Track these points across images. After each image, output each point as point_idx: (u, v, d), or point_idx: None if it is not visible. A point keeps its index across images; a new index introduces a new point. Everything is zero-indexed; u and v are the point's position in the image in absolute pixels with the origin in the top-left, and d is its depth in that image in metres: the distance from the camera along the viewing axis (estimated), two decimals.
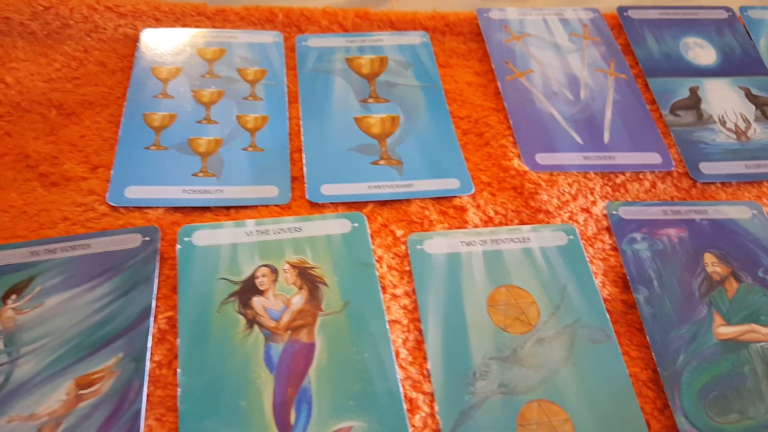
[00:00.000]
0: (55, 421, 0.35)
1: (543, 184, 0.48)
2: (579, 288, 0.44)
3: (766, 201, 0.50)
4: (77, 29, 0.57)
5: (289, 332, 0.40)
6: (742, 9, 0.63)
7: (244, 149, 0.49)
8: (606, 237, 0.47)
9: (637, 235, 0.47)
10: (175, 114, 0.51)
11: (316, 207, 0.47)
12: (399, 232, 0.46)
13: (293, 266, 0.43)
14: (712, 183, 0.51)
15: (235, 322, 0.40)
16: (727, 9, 0.63)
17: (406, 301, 0.43)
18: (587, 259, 0.45)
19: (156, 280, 0.41)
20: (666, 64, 0.58)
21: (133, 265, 0.41)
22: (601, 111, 0.54)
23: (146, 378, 0.37)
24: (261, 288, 0.42)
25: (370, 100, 0.54)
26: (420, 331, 0.41)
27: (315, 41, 0.58)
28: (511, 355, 0.41)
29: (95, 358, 0.37)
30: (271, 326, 0.40)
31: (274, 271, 0.42)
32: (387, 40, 0.58)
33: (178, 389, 0.37)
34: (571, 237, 0.46)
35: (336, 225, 0.45)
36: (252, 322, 0.40)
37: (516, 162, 0.50)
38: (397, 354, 0.40)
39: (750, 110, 0.56)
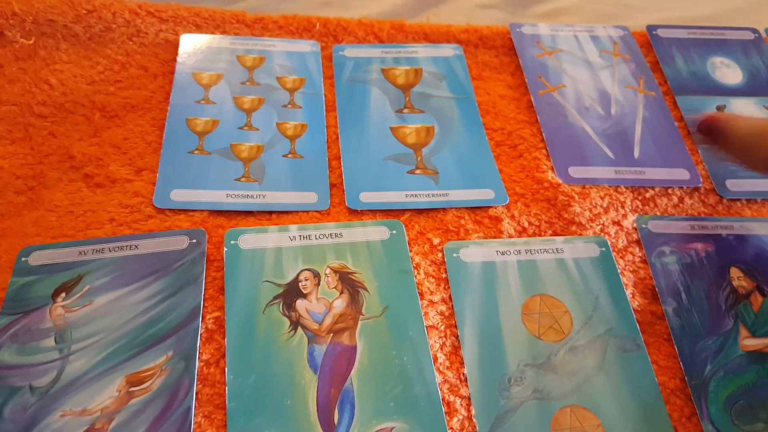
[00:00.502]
0: (108, 417, 0.36)
1: (576, 196, 0.50)
2: (610, 298, 0.45)
3: None
4: (119, 33, 0.58)
5: (331, 335, 0.41)
6: None
7: (285, 156, 0.51)
8: (636, 250, 0.48)
9: (666, 249, 0.48)
10: (218, 120, 0.52)
11: (355, 214, 0.48)
12: (436, 240, 0.47)
13: (334, 271, 0.44)
14: (738, 200, 0.53)
15: (279, 323, 0.41)
16: (753, 30, 0.64)
17: (443, 308, 0.44)
18: (618, 270, 0.46)
19: (203, 282, 0.42)
20: (694, 82, 0.60)
21: (181, 267, 0.43)
22: (632, 126, 0.55)
23: (196, 376, 0.38)
24: (304, 291, 0.43)
25: (406, 111, 0.55)
26: (456, 336, 0.43)
27: (351, 51, 0.59)
28: (545, 362, 0.42)
29: (145, 356, 0.39)
30: (314, 328, 0.41)
31: (317, 275, 0.44)
32: (421, 52, 0.60)
33: (226, 388, 0.38)
34: (603, 249, 0.47)
35: (375, 232, 0.46)
36: (296, 324, 0.41)
37: (549, 174, 0.51)
38: (435, 359, 0.41)
39: None
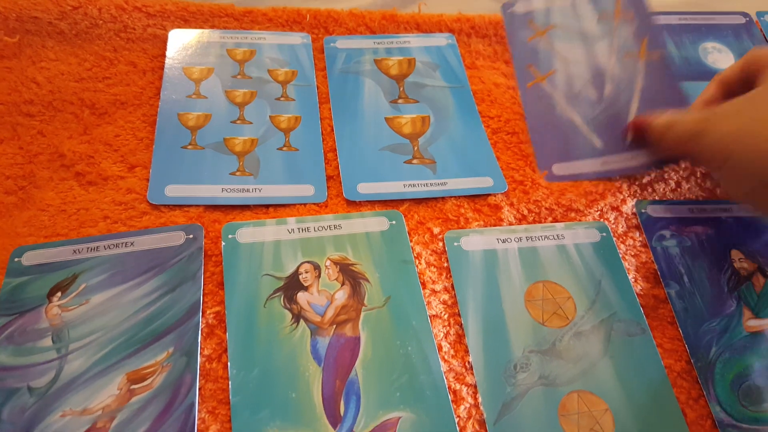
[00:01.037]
0: (109, 416, 0.36)
1: (569, 186, 0.49)
2: (613, 283, 0.45)
3: None
4: (106, 29, 0.57)
5: (334, 326, 0.41)
6: (759, 14, 0.65)
7: (279, 149, 0.50)
8: (636, 234, 0.48)
9: (666, 233, 0.48)
10: (210, 114, 0.51)
11: (353, 205, 0.48)
12: (436, 230, 0.47)
13: (335, 263, 0.43)
14: None
15: (281, 316, 0.40)
16: (744, 14, 0.64)
17: (445, 297, 0.43)
18: (620, 255, 0.46)
19: (202, 277, 0.42)
20: (686, 68, 0.60)
21: (179, 262, 0.42)
22: (626, 106, 0.50)
23: (198, 372, 0.38)
24: (305, 284, 0.42)
25: (400, 101, 0.55)
26: (460, 325, 0.42)
27: (343, 43, 0.58)
28: (550, 348, 0.42)
29: (146, 354, 0.38)
30: (316, 321, 0.41)
31: (317, 268, 0.43)
32: (414, 41, 0.59)
33: (229, 382, 0.37)
34: (604, 234, 0.47)
35: (374, 223, 0.46)
36: (298, 316, 0.41)
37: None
38: (440, 347, 0.41)
39: None
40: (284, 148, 0.50)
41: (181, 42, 0.56)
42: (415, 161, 0.50)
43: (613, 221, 0.48)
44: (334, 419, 0.37)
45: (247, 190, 0.47)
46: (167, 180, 0.47)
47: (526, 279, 0.44)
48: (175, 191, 0.46)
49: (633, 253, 0.47)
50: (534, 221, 0.48)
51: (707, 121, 0.41)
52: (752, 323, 0.44)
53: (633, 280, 0.45)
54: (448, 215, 0.48)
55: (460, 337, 0.42)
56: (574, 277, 0.45)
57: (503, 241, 0.46)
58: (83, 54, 0.56)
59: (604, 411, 0.39)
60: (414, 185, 0.49)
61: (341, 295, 0.42)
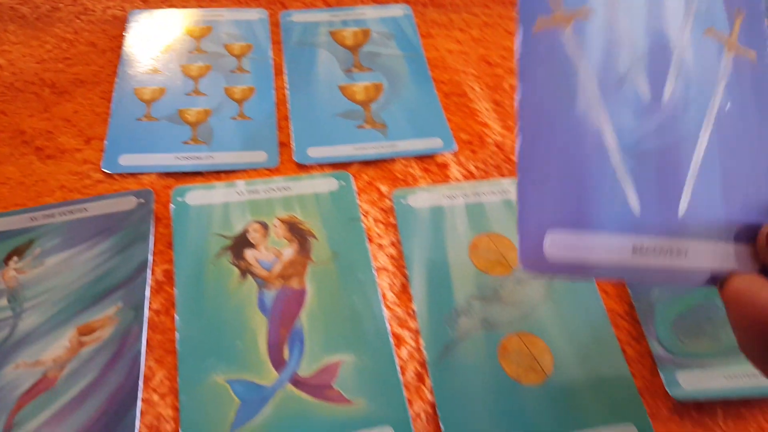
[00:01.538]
0: (60, 366, 0.37)
1: None
2: None
3: None
4: (67, 12, 0.59)
5: (281, 280, 0.42)
6: None
7: (233, 118, 0.51)
8: None
9: None
10: (165, 88, 0.53)
11: (304, 169, 0.49)
12: (384, 189, 0.48)
13: (283, 222, 0.45)
14: None
15: (229, 272, 0.42)
16: None
17: (392, 251, 0.45)
18: None
19: (152, 237, 0.43)
20: None
21: (129, 225, 0.43)
22: (694, 133, 0.27)
23: (145, 324, 0.39)
24: (253, 242, 0.43)
25: (354, 70, 0.56)
26: (406, 276, 0.43)
27: (299, 16, 0.60)
28: (492, 294, 0.43)
29: (96, 309, 0.39)
30: (263, 275, 0.42)
31: (265, 227, 0.44)
32: (369, 13, 0.60)
33: (177, 333, 0.39)
34: None
35: (323, 184, 0.47)
36: (245, 272, 0.42)
37: (499, 125, 0.52)
38: (384, 297, 0.42)
39: None
40: (238, 118, 0.51)
41: (140, 22, 0.58)
42: (367, 126, 0.52)
43: None
44: (278, 363, 0.38)
45: (200, 158, 0.48)
46: (121, 150, 0.48)
47: (472, 232, 0.46)
48: (128, 160, 0.47)
49: None
50: (482, 178, 0.49)
51: None
52: None
53: None
54: (397, 175, 0.49)
55: (405, 287, 0.43)
56: None
57: (450, 198, 0.47)
58: (44, 36, 0.57)
59: (544, 350, 0.40)
60: (364, 148, 0.50)
61: (289, 252, 0.43)
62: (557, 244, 0.26)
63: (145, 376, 0.37)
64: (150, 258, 0.42)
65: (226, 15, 0.59)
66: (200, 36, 0.57)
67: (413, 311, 0.42)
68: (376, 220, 0.46)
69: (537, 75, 0.26)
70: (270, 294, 0.41)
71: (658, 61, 0.28)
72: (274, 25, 0.59)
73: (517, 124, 0.26)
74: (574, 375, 0.39)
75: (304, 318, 0.40)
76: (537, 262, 0.26)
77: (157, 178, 0.47)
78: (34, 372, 0.37)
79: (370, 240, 0.45)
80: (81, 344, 0.38)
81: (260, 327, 0.40)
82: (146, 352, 0.38)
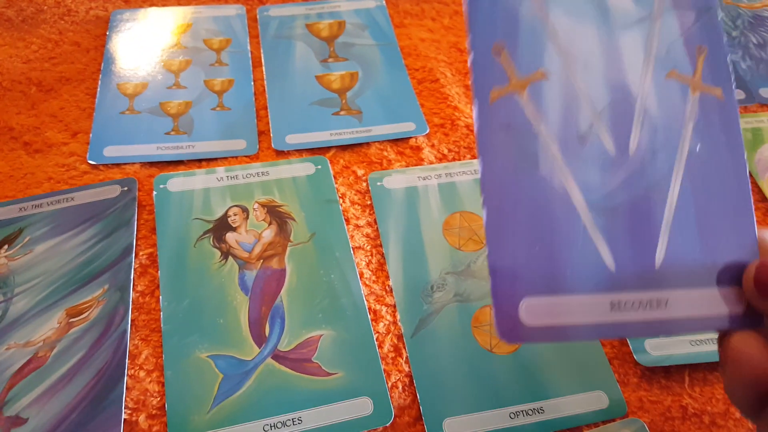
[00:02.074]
0: (50, 346, 0.39)
1: None
2: None
3: None
4: (51, 14, 0.60)
5: (261, 261, 0.44)
6: None
7: (213, 109, 0.53)
8: None
9: None
10: (147, 82, 0.54)
11: (282, 155, 0.51)
12: (360, 172, 0.50)
13: (262, 205, 0.47)
14: None
15: (210, 254, 0.44)
16: None
17: (368, 230, 0.46)
18: None
19: (135, 223, 0.45)
20: None
21: (114, 212, 0.45)
22: (664, 182, 0.27)
23: (131, 304, 0.41)
24: (233, 225, 0.45)
25: (330, 60, 0.58)
26: (382, 255, 0.45)
27: (276, 11, 0.61)
28: (465, 269, 0.45)
29: (83, 291, 0.41)
30: (244, 257, 0.44)
31: (245, 210, 0.46)
32: (344, 5, 0.62)
33: (161, 313, 0.41)
34: None
35: (301, 168, 0.49)
36: (226, 254, 0.44)
37: (469, 107, 0.54)
38: (362, 275, 0.44)
39: None
40: (217, 108, 0.53)
41: (122, 21, 0.59)
42: (342, 113, 0.53)
43: None
44: (260, 339, 0.40)
45: (181, 147, 0.50)
46: (106, 142, 0.50)
47: (445, 211, 0.47)
48: (113, 151, 0.49)
49: None
50: (454, 159, 0.51)
51: None
52: None
53: None
54: (372, 158, 0.51)
55: (382, 265, 0.45)
56: None
57: (424, 179, 0.49)
58: (30, 38, 0.59)
59: None
60: (340, 134, 0.52)
61: (268, 234, 0.45)
62: (533, 311, 0.25)
63: (131, 353, 0.39)
64: (134, 242, 0.44)
65: (204, 12, 0.61)
66: (180, 32, 0.59)
67: (390, 287, 0.43)
68: (352, 202, 0.48)
69: (496, 144, 0.26)
70: (250, 274, 0.43)
71: (621, 112, 0.27)
72: (252, 19, 0.61)
73: (481, 197, 0.26)
74: (545, 344, 0.41)
75: (284, 296, 0.42)
76: (514, 331, 0.25)
77: (140, 167, 0.49)
78: (25, 352, 0.38)
79: (347, 221, 0.47)
80: (70, 325, 0.39)
81: (242, 305, 0.41)
82: (132, 331, 0.40)
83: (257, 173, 0.48)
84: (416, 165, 0.50)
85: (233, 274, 0.43)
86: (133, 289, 0.42)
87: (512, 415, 0.38)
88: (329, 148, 0.51)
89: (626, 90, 0.27)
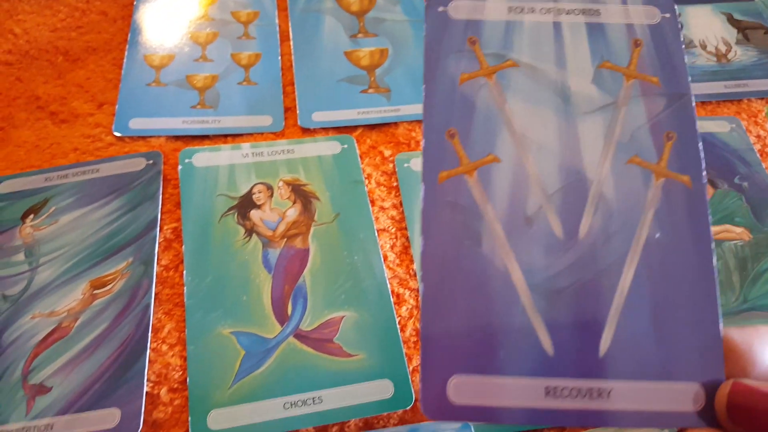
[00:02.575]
0: (74, 316, 0.39)
1: None
2: None
3: (745, 117, 0.53)
4: None
5: (284, 240, 0.43)
6: None
7: (239, 84, 0.52)
8: None
9: None
10: (174, 54, 0.54)
11: (308, 132, 0.50)
12: (387, 153, 0.49)
13: (287, 183, 0.46)
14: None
15: (234, 231, 0.43)
16: None
17: (393, 213, 0.46)
18: None
19: (160, 197, 0.45)
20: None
21: (139, 185, 0.45)
22: (615, 272, 0.26)
23: (155, 278, 0.41)
24: (258, 202, 0.45)
25: (360, 35, 0.56)
26: (407, 238, 0.44)
27: None
28: None
29: (107, 264, 0.41)
30: (268, 234, 0.43)
31: (270, 188, 0.46)
32: None
33: (185, 288, 0.40)
34: None
35: (327, 147, 0.48)
36: (250, 231, 0.43)
37: None
38: (386, 257, 0.43)
39: (732, 34, 0.59)
40: (244, 83, 0.52)
41: None
42: (370, 90, 0.52)
43: None
44: (282, 318, 0.40)
45: (207, 122, 0.49)
46: (132, 114, 0.49)
47: None
48: (138, 124, 0.49)
49: None
50: None
51: None
52: None
53: None
54: (400, 139, 0.50)
55: (406, 249, 0.44)
56: None
57: None
58: (57, 6, 0.59)
59: None
60: (368, 112, 0.51)
61: (292, 212, 0.45)
62: (462, 389, 0.24)
63: (154, 327, 0.39)
64: (159, 216, 0.43)
65: None
66: (208, 4, 0.58)
67: (414, 271, 0.43)
68: (378, 183, 0.47)
69: (440, 221, 0.26)
70: (274, 252, 0.42)
71: (573, 197, 0.27)
72: None
73: (419, 274, 0.25)
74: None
75: (307, 275, 0.42)
76: (439, 408, 0.24)
77: (165, 141, 0.49)
78: (49, 322, 0.39)
79: (372, 202, 0.46)
80: (93, 297, 0.40)
81: (264, 283, 0.41)
82: (155, 305, 0.40)
83: (283, 150, 0.47)
84: None
85: (257, 252, 0.42)
86: (157, 263, 0.42)
87: None
88: (356, 126, 0.50)
89: (581, 175, 0.27)
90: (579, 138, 0.27)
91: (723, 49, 0.58)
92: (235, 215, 0.44)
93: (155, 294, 0.40)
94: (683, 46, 0.28)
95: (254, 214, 0.44)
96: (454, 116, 0.27)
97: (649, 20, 0.29)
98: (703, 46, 0.58)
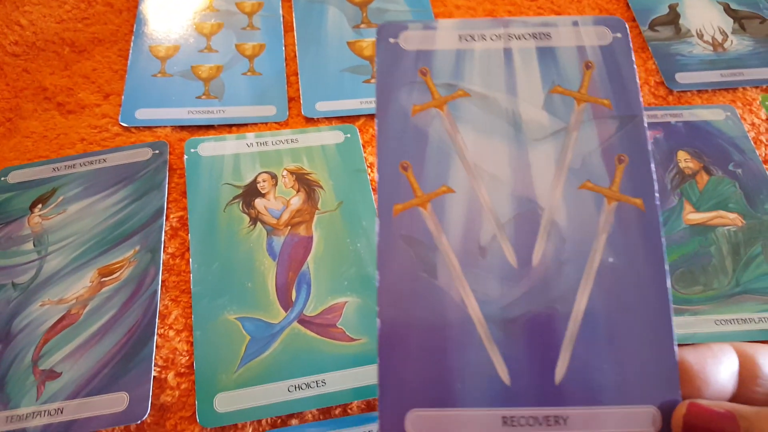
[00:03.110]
0: (82, 303, 0.40)
1: None
2: None
3: (740, 105, 0.53)
4: None
5: (288, 228, 0.44)
6: None
7: (244, 74, 0.53)
8: None
9: None
10: (179, 45, 0.54)
11: (312, 122, 0.50)
12: None
13: (291, 172, 0.47)
14: (688, 91, 0.54)
15: (240, 219, 0.44)
16: None
17: None
18: None
19: (166, 186, 0.45)
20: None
21: (146, 174, 0.46)
22: (569, 297, 0.26)
23: (161, 266, 0.41)
24: (262, 191, 0.45)
25: (363, 26, 0.57)
26: None
27: None
28: None
29: (115, 252, 0.42)
30: (272, 223, 0.44)
31: (274, 177, 0.46)
32: None
33: (191, 275, 0.41)
34: None
35: (330, 136, 0.49)
36: (255, 219, 0.44)
37: None
38: None
39: (728, 23, 0.59)
40: (248, 73, 0.53)
41: None
42: (373, 81, 0.53)
43: None
44: (286, 304, 0.40)
45: (212, 112, 0.50)
46: (138, 105, 0.50)
47: None
48: (144, 114, 0.49)
49: None
50: None
51: None
52: (692, 216, 0.46)
53: None
54: None
55: None
56: None
57: None
58: None
59: None
60: (370, 102, 0.51)
61: (296, 201, 0.45)
62: (420, 423, 0.24)
63: (161, 313, 0.40)
64: (165, 205, 0.44)
65: None
66: None
67: None
68: None
69: (396, 255, 0.26)
70: (278, 240, 0.43)
71: (526, 225, 0.26)
72: None
73: (377, 309, 0.25)
74: None
75: (311, 262, 0.42)
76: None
77: (171, 131, 0.49)
78: (58, 309, 0.39)
79: (375, 190, 0.46)
80: (102, 284, 0.40)
81: (269, 270, 0.42)
82: (162, 291, 0.41)
83: (287, 140, 0.48)
84: None
85: (261, 240, 0.43)
86: (164, 251, 0.42)
87: None
88: (359, 116, 0.51)
89: (533, 202, 0.27)
90: (531, 165, 0.27)
91: (720, 38, 0.58)
92: (240, 204, 0.45)
93: (162, 281, 0.41)
94: (635, 66, 0.28)
95: (259, 202, 0.45)
96: (408, 148, 0.27)
97: (601, 41, 0.28)
98: (700, 36, 0.58)
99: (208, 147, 0.47)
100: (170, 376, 0.38)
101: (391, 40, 0.28)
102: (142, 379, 0.37)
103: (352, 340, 0.39)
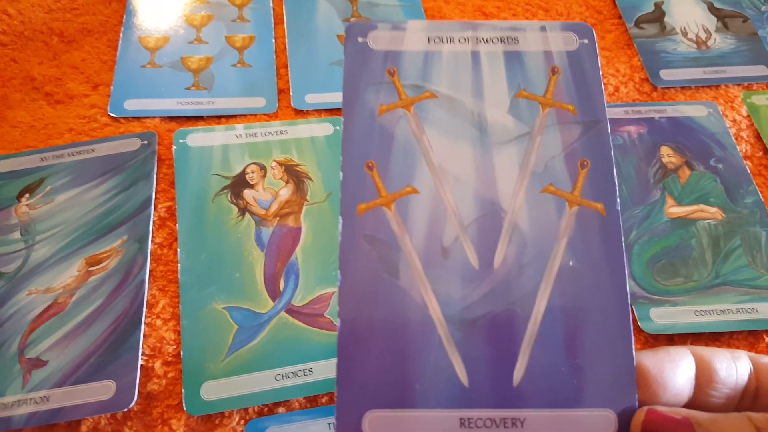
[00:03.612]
0: (69, 293, 0.40)
1: None
2: None
3: (722, 102, 0.54)
4: None
5: (277, 219, 0.44)
6: None
7: (233, 66, 0.53)
8: None
9: None
10: (168, 36, 0.54)
11: (301, 114, 0.51)
12: None
13: (280, 164, 0.47)
14: (672, 87, 0.55)
15: (228, 210, 0.44)
16: None
17: None
18: None
19: (155, 177, 0.45)
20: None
21: (134, 165, 0.46)
22: (529, 298, 0.26)
23: (149, 255, 0.41)
24: (251, 182, 0.46)
25: (353, 19, 0.57)
26: None
27: None
28: None
29: (102, 241, 0.42)
30: (261, 213, 0.44)
31: (263, 168, 0.46)
32: None
33: (179, 265, 0.41)
34: None
35: (319, 128, 0.49)
36: (244, 210, 0.44)
37: None
38: None
39: (712, 22, 0.60)
40: (238, 65, 0.53)
41: None
42: None
43: None
44: (274, 294, 0.41)
45: (201, 103, 0.50)
46: (127, 95, 0.50)
47: None
48: (133, 105, 0.49)
49: None
50: None
51: None
52: (674, 210, 0.47)
53: None
54: None
55: None
56: None
57: None
58: None
59: None
60: None
61: (285, 192, 0.45)
62: (377, 424, 0.24)
63: (148, 302, 0.40)
64: (153, 195, 0.44)
65: None
66: None
67: None
68: None
69: (358, 254, 0.26)
70: (267, 231, 0.43)
71: (488, 227, 0.27)
72: None
73: (338, 308, 0.25)
74: None
75: (299, 253, 0.43)
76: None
77: (160, 121, 0.49)
78: (45, 298, 0.40)
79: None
80: (89, 273, 0.40)
81: (257, 261, 0.42)
82: (150, 281, 0.41)
83: (276, 132, 0.48)
84: None
85: (250, 230, 0.43)
86: (152, 241, 0.42)
87: None
88: None
89: (496, 205, 0.27)
90: (495, 168, 0.27)
91: (703, 36, 0.59)
92: (229, 194, 0.45)
93: (149, 271, 0.41)
94: (600, 72, 0.28)
95: (247, 193, 0.45)
96: (373, 148, 0.27)
97: (568, 47, 0.29)
98: (684, 33, 0.59)
99: (197, 138, 0.47)
100: (157, 364, 0.38)
101: (360, 39, 0.28)
102: (129, 367, 0.37)
103: None
